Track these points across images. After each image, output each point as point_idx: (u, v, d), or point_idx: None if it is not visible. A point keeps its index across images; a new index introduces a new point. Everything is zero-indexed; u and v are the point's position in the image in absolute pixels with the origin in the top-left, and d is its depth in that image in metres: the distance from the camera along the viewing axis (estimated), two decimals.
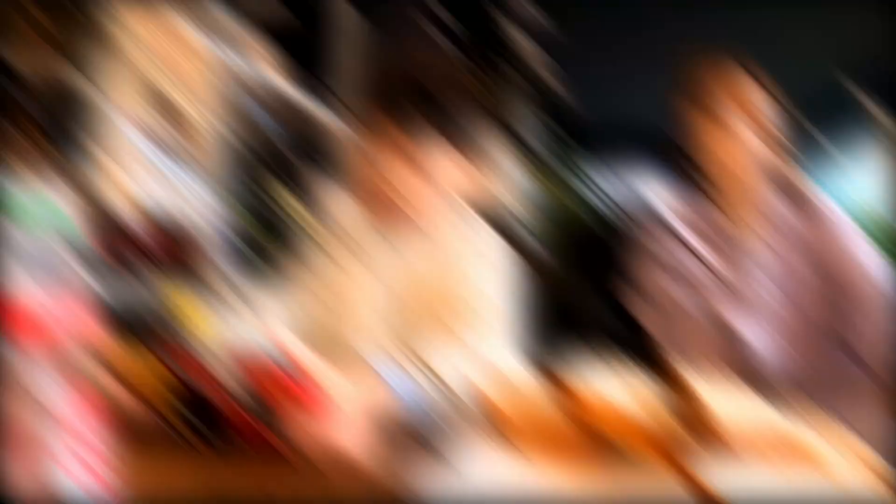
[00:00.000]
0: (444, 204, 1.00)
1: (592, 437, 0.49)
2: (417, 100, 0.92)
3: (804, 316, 1.14)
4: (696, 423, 0.46)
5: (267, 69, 1.96)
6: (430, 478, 0.41)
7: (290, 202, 2.04)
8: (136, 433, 0.59)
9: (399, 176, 0.93)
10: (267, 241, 2.00)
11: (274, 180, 2.13)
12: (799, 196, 1.25)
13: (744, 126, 1.07)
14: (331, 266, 1.01)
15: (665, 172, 1.39)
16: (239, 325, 0.92)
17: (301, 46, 2.08)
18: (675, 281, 1.18)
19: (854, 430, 0.50)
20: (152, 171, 1.39)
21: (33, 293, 0.33)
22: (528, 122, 5.69)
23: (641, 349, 1.21)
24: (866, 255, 1.14)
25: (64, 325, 0.34)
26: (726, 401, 0.49)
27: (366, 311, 0.96)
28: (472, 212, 1.07)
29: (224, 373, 0.54)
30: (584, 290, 1.29)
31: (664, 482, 0.42)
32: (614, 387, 0.52)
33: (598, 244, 1.41)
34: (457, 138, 0.97)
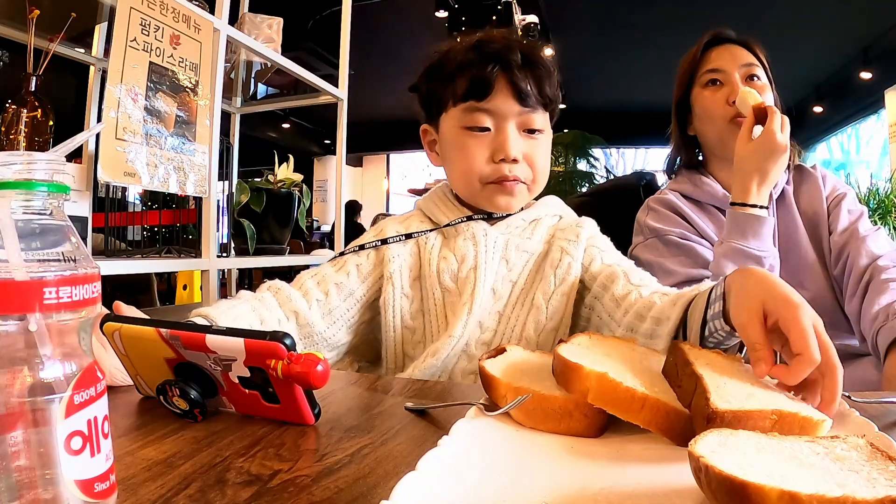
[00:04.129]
0: None
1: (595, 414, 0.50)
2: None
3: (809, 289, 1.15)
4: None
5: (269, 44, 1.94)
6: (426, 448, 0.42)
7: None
8: (134, 407, 0.60)
9: None
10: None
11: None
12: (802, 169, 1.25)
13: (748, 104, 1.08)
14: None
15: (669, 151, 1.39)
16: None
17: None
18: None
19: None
20: (152, 145, 1.38)
21: (30, 266, 0.33)
22: None
23: None
24: (867, 230, 1.14)
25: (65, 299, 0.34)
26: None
27: None
28: None
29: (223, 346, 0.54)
30: None
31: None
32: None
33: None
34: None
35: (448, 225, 0.93)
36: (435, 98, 0.92)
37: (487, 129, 0.87)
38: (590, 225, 0.96)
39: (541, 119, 0.90)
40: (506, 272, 0.90)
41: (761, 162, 1.05)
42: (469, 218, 0.92)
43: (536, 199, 0.99)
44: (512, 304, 0.89)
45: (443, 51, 0.92)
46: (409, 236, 0.93)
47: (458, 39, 0.92)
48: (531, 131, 0.89)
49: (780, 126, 1.04)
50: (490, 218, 0.93)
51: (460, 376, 0.85)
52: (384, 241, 0.92)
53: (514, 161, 0.87)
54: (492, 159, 0.87)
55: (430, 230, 0.94)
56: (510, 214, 0.93)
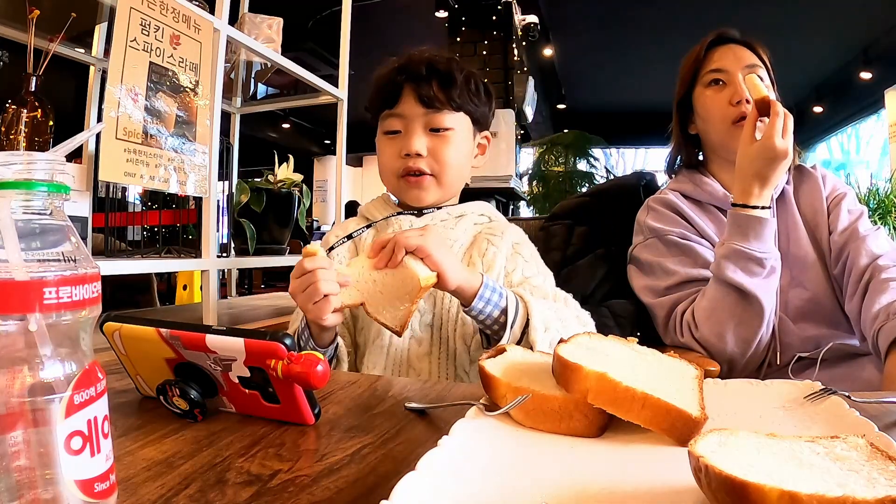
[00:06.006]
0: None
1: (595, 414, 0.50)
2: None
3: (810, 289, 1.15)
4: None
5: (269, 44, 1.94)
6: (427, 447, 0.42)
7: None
8: (134, 407, 0.60)
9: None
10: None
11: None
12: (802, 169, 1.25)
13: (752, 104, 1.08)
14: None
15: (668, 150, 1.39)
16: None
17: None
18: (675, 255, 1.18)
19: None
20: (152, 145, 1.38)
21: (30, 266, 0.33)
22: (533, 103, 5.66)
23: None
24: (868, 230, 1.14)
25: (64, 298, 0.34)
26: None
27: None
28: None
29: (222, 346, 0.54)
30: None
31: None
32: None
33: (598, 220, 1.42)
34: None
35: (380, 220, 1.04)
36: (372, 117, 1.05)
37: (398, 132, 1.00)
38: (515, 230, 1.06)
39: (450, 119, 1.00)
40: None
41: (762, 167, 1.04)
42: (399, 213, 1.04)
43: (465, 200, 1.09)
44: None
45: (374, 76, 1.05)
46: (349, 237, 1.05)
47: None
48: (438, 130, 0.99)
49: (782, 129, 1.03)
50: (420, 213, 1.03)
51: (416, 360, 0.93)
52: (330, 249, 1.04)
53: (418, 155, 0.98)
54: (399, 155, 1.00)
55: (366, 226, 1.06)
56: (439, 209, 1.04)
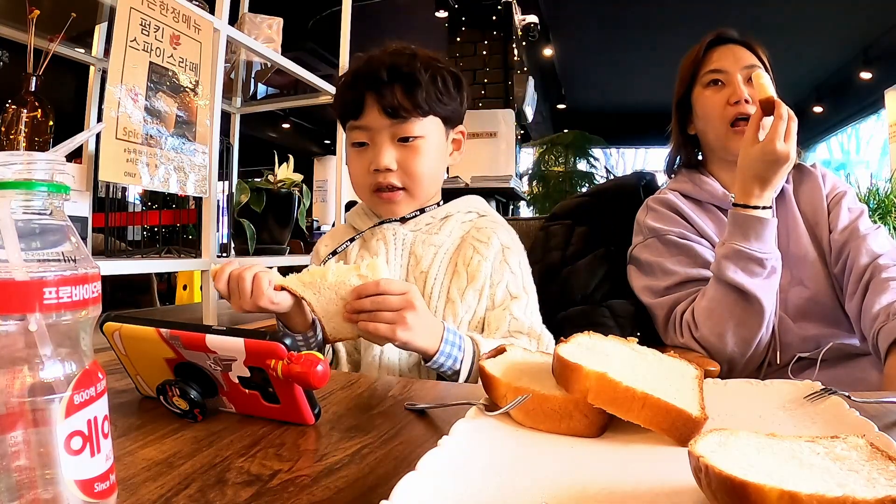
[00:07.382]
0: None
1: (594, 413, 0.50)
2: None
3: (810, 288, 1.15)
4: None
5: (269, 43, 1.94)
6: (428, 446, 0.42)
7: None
8: (134, 407, 0.60)
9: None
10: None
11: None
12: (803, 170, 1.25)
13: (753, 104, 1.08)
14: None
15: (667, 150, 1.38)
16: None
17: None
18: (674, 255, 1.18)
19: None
20: (152, 144, 1.38)
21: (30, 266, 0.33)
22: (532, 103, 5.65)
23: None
24: (868, 230, 1.14)
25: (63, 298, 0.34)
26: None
27: None
28: None
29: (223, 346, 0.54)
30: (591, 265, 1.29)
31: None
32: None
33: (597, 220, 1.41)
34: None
35: (365, 231, 1.02)
36: (340, 120, 1.01)
37: (366, 144, 0.96)
38: (505, 231, 1.01)
39: (419, 126, 0.94)
40: (414, 265, 0.98)
41: (763, 170, 1.04)
42: (382, 222, 1.01)
43: (451, 198, 1.05)
44: (427, 295, 0.95)
45: (337, 81, 1.01)
46: (334, 253, 1.03)
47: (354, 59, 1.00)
48: (406, 139, 0.94)
49: (785, 133, 1.02)
50: (403, 219, 1.01)
51: (407, 371, 0.92)
52: (322, 263, 1.01)
53: (388, 170, 0.94)
54: (368, 170, 0.95)
55: (351, 239, 1.03)
56: (423, 211, 1.01)
